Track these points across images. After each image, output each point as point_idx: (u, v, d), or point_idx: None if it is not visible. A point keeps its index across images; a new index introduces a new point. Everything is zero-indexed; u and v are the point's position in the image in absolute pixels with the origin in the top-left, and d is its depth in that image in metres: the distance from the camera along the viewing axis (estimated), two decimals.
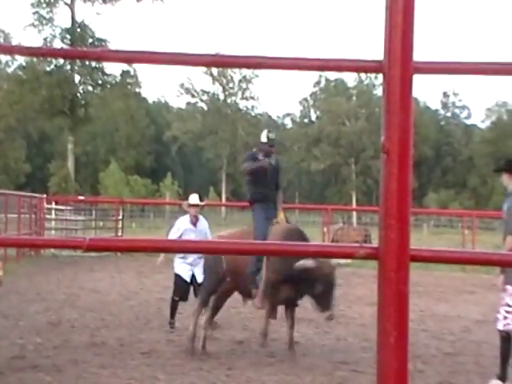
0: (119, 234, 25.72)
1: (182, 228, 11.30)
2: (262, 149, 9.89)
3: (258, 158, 9.88)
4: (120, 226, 26.59)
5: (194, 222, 11.31)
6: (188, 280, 11.18)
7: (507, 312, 8.04)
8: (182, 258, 11.19)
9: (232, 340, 10.27)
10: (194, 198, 11.59)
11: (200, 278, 11.06)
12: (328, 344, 10.14)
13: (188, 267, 11.18)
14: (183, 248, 3.09)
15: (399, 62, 2.17)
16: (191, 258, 11.11)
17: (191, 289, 11.29)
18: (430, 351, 9.76)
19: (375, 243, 2.33)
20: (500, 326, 8.17)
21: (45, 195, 26.72)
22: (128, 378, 8.05)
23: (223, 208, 68.17)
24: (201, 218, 11.49)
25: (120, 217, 26.91)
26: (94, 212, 30.84)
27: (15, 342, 9.73)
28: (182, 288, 11.21)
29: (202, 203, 11.91)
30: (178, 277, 11.29)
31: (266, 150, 9.88)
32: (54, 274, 18.05)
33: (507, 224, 7.88)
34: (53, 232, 25.57)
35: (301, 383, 8.08)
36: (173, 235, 11.29)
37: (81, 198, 34.99)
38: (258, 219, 9.76)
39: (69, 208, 28.89)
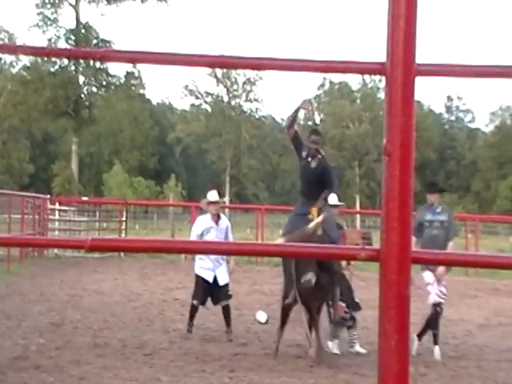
0: (122, 235, 25.74)
1: (202, 227, 10.68)
2: (308, 147, 9.72)
3: (302, 153, 9.70)
4: (123, 227, 26.63)
5: (216, 221, 10.66)
6: (210, 280, 10.58)
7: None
8: (202, 259, 10.66)
9: (234, 342, 10.27)
10: (212, 195, 10.77)
11: (222, 281, 10.66)
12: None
13: (209, 269, 10.60)
14: (185, 249, 3.09)
15: (401, 64, 2.18)
16: (211, 262, 10.57)
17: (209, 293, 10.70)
18: (433, 355, 9.74)
19: (375, 245, 2.33)
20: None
21: (48, 196, 26.76)
22: (130, 379, 8.05)
23: (227, 210, 68.21)
24: (222, 216, 10.89)
25: (123, 218, 26.96)
26: (97, 213, 30.83)
27: (18, 342, 9.74)
28: (202, 289, 10.64)
29: (223, 200, 11.02)
30: (198, 277, 10.72)
31: (309, 149, 9.67)
32: (57, 275, 18.07)
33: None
34: (56, 233, 25.59)
35: None
36: (193, 236, 10.73)
37: (84, 198, 35.02)
38: (289, 217, 10.04)
39: (72, 209, 28.90)
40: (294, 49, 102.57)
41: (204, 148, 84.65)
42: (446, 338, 11.00)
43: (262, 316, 11.45)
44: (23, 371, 8.20)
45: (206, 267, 10.63)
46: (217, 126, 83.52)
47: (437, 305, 9.76)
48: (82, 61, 53.01)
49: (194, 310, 10.70)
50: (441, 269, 9.63)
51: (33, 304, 13.08)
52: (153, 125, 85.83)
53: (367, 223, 54.35)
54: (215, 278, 10.62)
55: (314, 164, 9.64)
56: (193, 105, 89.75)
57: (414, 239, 9.67)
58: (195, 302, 10.68)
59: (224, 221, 10.87)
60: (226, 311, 10.67)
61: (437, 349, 9.66)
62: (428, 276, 9.75)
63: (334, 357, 9.59)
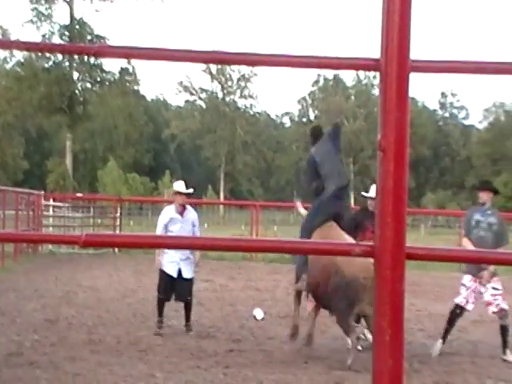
0: (117, 231, 25.68)
1: (166, 218, 10.54)
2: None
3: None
4: (118, 223, 26.59)
5: (181, 212, 10.54)
6: (174, 275, 10.49)
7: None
8: (167, 253, 10.47)
9: (229, 338, 10.28)
10: (179, 185, 10.65)
11: (186, 274, 10.56)
12: (325, 343, 10.14)
13: (174, 262, 10.49)
14: (178, 244, 3.08)
15: (396, 59, 2.17)
16: (177, 255, 10.43)
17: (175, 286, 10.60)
18: (427, 351, 9.76)
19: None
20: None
21: (43, 192, 26.70)
22: (125, 375, 8.05)
23: (221, 207, 68.20)
24: (188, 207, 10.72)
25: (118, 214, 26.91)
26: (91, 209, 30.73)
27: (12, 338, 9.74)
28: (165, 284, 10.56)
29: (189, 191, 10.75)
30: (162, 272, 10.63)
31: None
32: (51, 271, 18.04)
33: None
34: (50, 229, 25.53)
35: (298, 382, 8.08)
36: (158, 228, 10.62)
37: (79, 195, 34.96)
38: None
39: (67, 205, 28.83)
40: (288, 45, 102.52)
41: (199, 144, 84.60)
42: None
43: (259, 313, 11.59)
44: (18, 367, 8.20)
45: (171, 260, 10.51)
46: (211, 123, 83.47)
47: (459, 306, 9.75)
48: (76, 57, 52.97)
49: (161, 305, 10.63)
50: (486, 274, 9.48)
51: (27, 300, 13.06)
52: (147, 121, 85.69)
53: None
54: (180, 272, 10.53)
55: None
56: (187, 101, 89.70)
57: (465, 240, 9.69)
58: (161, 296, 10.62)
59: (190, 212, 10.70)
60: (188, 307, 10.71)
61: (439, 342, 9.73)
62: (467, 279, 9.75)
63: (329, 353, 9.59)
